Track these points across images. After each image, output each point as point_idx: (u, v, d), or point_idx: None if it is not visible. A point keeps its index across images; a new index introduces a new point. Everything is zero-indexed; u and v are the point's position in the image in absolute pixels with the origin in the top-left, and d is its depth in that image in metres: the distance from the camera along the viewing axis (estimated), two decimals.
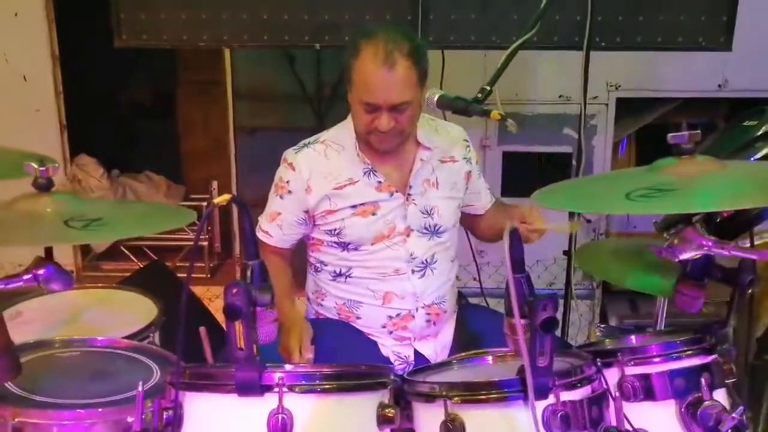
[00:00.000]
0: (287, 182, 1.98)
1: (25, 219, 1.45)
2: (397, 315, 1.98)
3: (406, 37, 1.84)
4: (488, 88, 1.95)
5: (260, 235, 2.03)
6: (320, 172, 1.95)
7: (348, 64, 1.84)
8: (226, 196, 1.23)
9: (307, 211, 1.98)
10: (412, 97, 1.82)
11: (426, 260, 1.99)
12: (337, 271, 2.00)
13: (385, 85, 1.78)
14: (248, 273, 1.24)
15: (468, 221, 2.22)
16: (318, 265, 2.05)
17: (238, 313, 1.18)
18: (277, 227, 2.02)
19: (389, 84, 1.78)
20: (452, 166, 2.05)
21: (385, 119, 1.81)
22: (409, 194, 1.97)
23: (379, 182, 1.96)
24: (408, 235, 1.97)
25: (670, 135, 1.43)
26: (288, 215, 2.00)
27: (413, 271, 1.98)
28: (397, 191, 1.96)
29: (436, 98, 1.86)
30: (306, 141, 2.01)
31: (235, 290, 1.18)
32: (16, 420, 1.39)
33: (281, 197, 2.00)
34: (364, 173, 1.96)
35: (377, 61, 1.77)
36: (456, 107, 1.86)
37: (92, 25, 2.95)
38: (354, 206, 1.94)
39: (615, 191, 1.42)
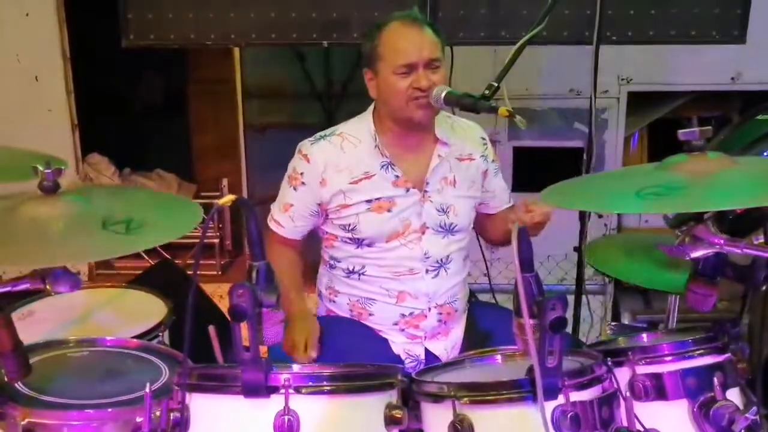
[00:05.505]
0: (301, 174, 1.96)
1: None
2: (410, 314, 1.98)
3: (424, 19, 1.94)
4: (496, 84, 1.93)
5: (272, 224, 2.03)
6: (335, 165, 1.94)
7: (371, 49, 1.90)
8: (231, 197, 1.23)
9: (320, 204, 1.97)
10: (442, 58, 1.89)
11: (441, 260, 1.97)
12: (351, 269, 1.99)
13: (419, 41, 1.86)
14: (254, 274, 1.23)
15: (478, 220, 2.16)
16: (332, 261, 2.04)
17: (244, 314, 1.18)
18: (288, 218, 2.00)
19: (422, 41, 1.86)
20: (470, 165, 2.03)
21: (423, 76, 1.85)
22: (425, 191, 1.96)
23: (397, 176, 1.94)
24: (423, 233, 1.96)
25: (680, 132, 1.41)
26: (300, 207, 1.99)
27: (427, 271, 1.96)
28: (413, 187, 1.95)
29: (443, 95, 1.84)
30: (322, 133, 2.00)
31: (240, 291, 1.18)
32: (26, 420, 1.39)
33: (294, 188, 1.98)
34: (382, 167, 1.94)
35: (406, 25, 1.88)
36: (464, 104, 1.84)
37: (103, 25, 2.96)
38: (369, 201, 1.93)
39: (625, 190, 1.40)
